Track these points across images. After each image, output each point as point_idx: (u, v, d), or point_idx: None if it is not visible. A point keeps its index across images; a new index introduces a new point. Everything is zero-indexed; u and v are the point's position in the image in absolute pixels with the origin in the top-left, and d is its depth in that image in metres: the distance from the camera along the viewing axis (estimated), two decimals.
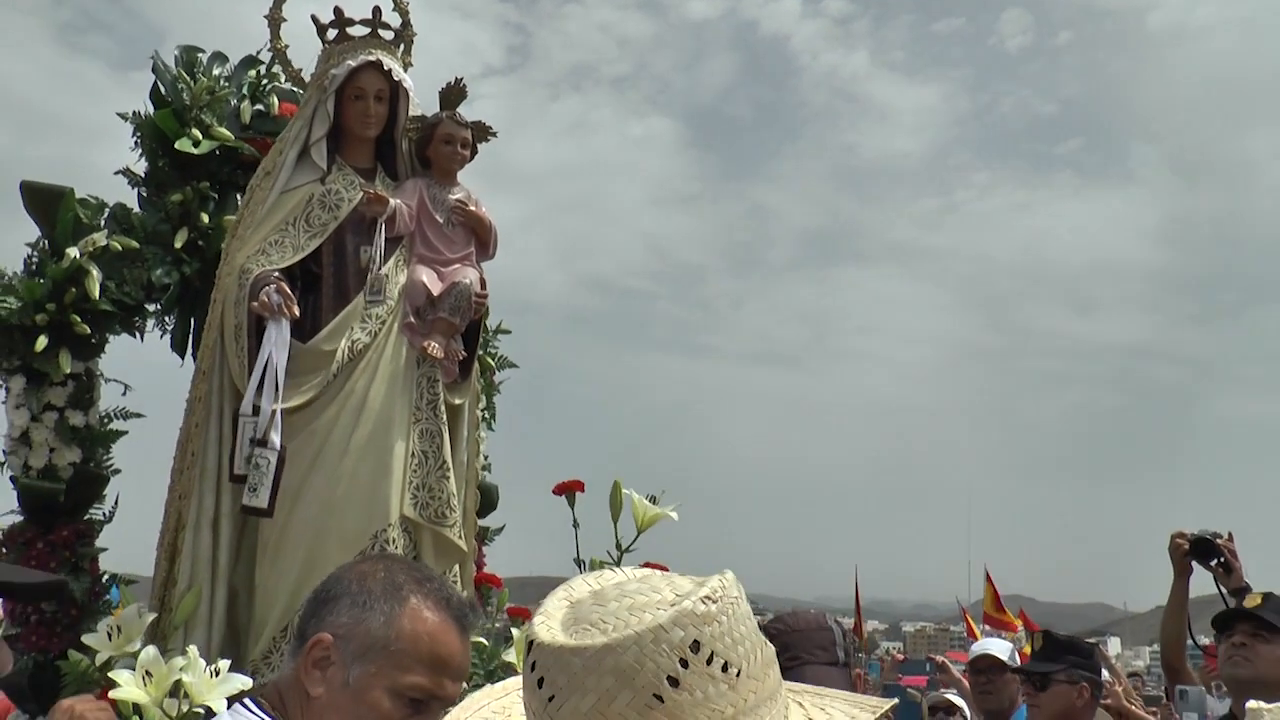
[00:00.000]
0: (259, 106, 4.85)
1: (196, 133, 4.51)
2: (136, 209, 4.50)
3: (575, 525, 3.97)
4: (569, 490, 3.99)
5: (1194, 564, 3.66)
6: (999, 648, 5.18)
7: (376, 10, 4.21)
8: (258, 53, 5.11)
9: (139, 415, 4.40)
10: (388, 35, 4.22)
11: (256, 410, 3.59)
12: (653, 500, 4.07)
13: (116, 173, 4.65)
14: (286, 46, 4.44)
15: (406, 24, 4.33)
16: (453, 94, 4.40)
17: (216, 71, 4.89)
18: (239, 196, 4.67)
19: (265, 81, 4.96)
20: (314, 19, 4.23)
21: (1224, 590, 3.52)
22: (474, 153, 4.38)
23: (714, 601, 1.18)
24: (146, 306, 4.38)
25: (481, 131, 4.42)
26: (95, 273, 4.13)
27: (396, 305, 4.01)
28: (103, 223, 4.43)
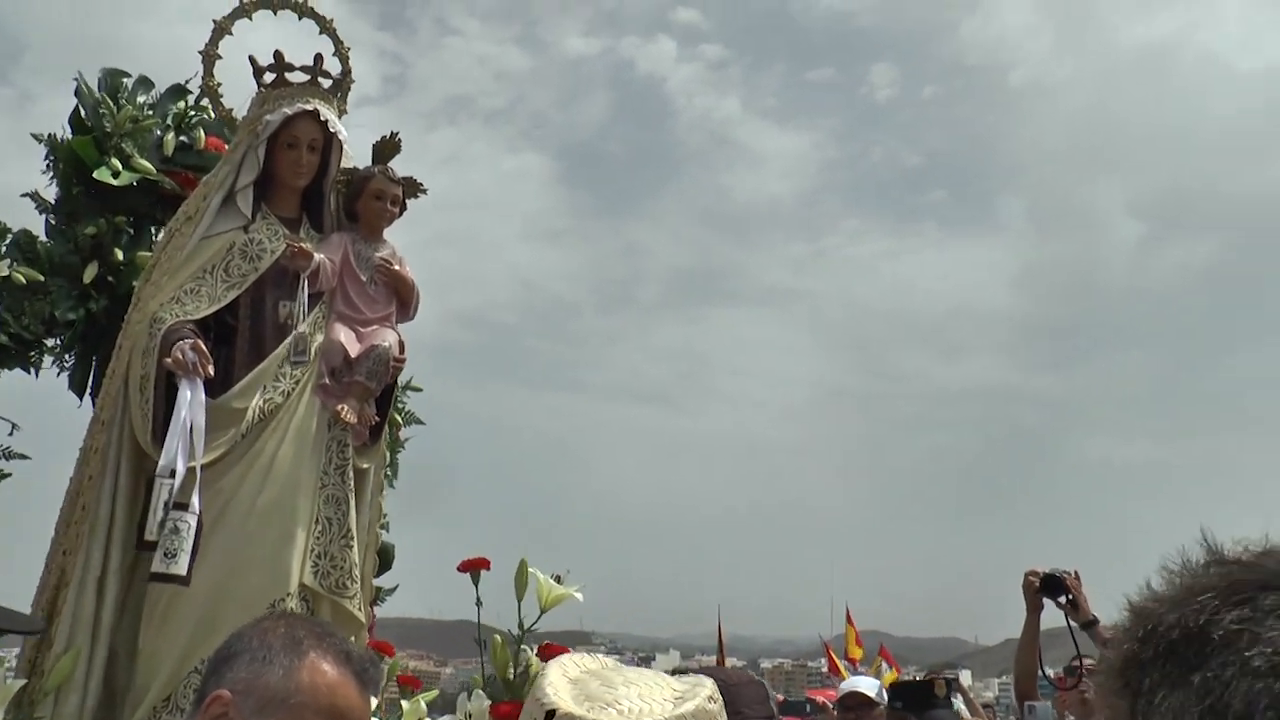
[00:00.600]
0: (183, 139, 4.70)
1: (116, 162, 4.33)
2: (43, 237, 4.30)
3: (478, 604, 3.85)
4: (474, 568, 3.87)
5: (1045, 600, 3.82)
6: (867, 685, 5.25)
7: (319, 58, 4.11)
8: (186, 82, 4.95)
9: (24, 457, 4.18)
10: (326, 84, 4.11)
11: (173, 473, 3.39)
12: (558, 579, 3.99)
13: (24, 195, 4.44)
14: (219, 85, 4.28)
15: (346, 73, 4.22)
16: (386, 148, 4.30)
17: (141, 99, 4.72)
18: (155, 232, 4.50)
19: (192, 113, 4.80)
20: (252, 60, 4.09)
21: (1072, 624, 3.68)
22: (403, 209, 4.28)
23: (715, 702, 1.45)
24: (45, 341, 4.18)
25: (412, 188, 4.32)
26: None
27: (312, 365, 3.87)
28: (4, 249, 4.22)
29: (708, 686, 1.47)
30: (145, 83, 4.83)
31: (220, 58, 4.28)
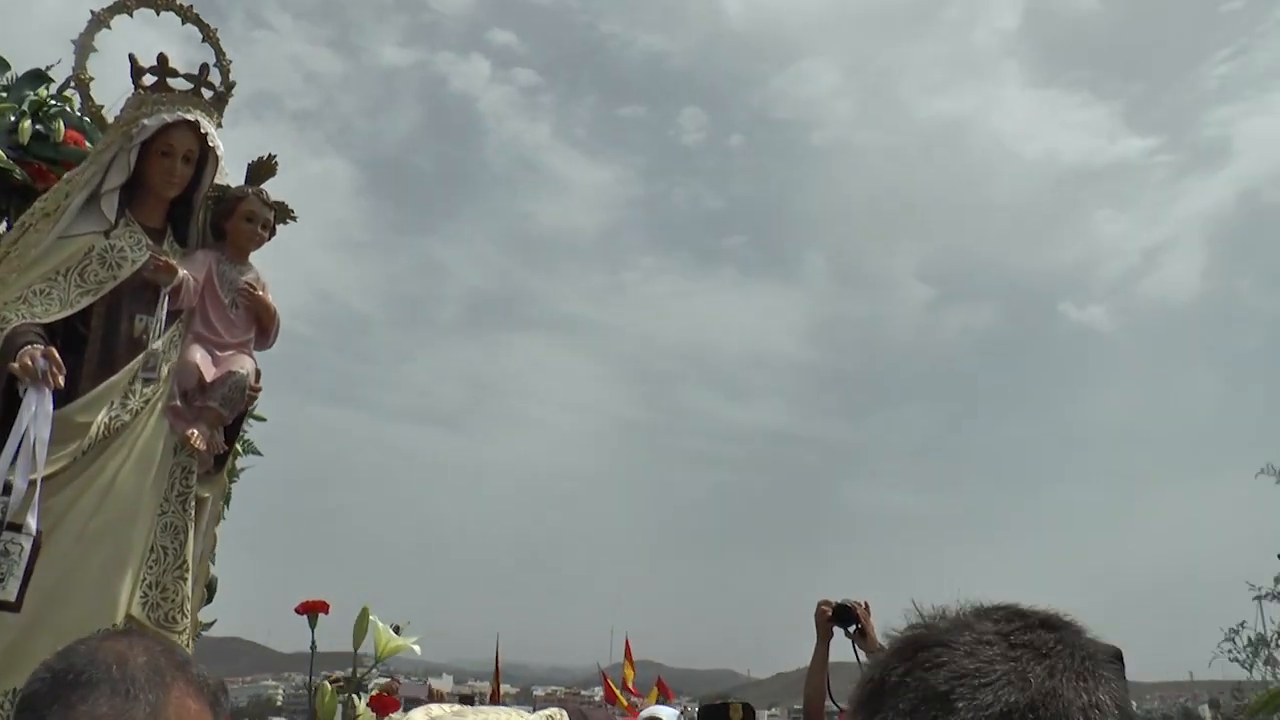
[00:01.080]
0: (40, 128, 4.46)
1: None
2: None
3: (313, 648, 3.76)
4: (312, 610, 3.78)
5: (835, 629, 3.99)
6: (667, 713, 5.37)
7: (204, 68, 3.99)
8: (48, 68, 4.72)
9: None
10: (208, 95, 3.99)
11: (8, 489, 3.17)
12: (397, 630, 3.95)
13: None
14: (91, 79, 4.10)
15: (229, 86, 4.10)
16: (262, 170, 4.20)
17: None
18: (2, 224, 4.26)
19: (52, 102, 4.57)
20: (132, 59, 3.93)
21: (860, 654, 3.82)
22: (273, 234, 4.18)
23: None
24: None
25: (283, 213, 4.23)
26: None
27: (164, 385, 3.72)
28: None
29: (559, 716, 1.62)
30: (1, 64, 4.58)
31: (95, 50, 4.10)
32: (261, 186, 4.15)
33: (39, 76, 4.64)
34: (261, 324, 4.10)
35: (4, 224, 4.29)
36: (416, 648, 3.80)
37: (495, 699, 18.65)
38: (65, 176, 3.84)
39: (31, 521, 3.17)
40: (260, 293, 4.05)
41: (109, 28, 4.09)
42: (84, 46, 4.05)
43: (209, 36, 4.21)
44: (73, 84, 4.33)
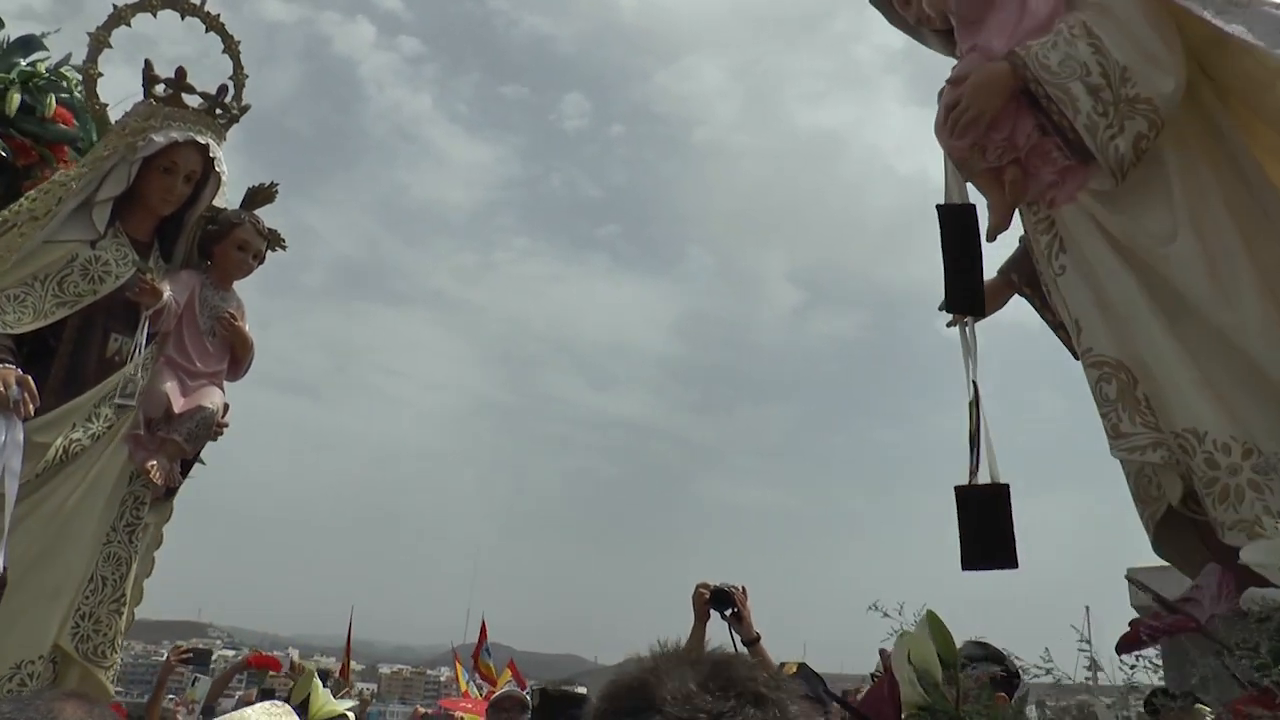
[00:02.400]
0: (27, 99, 4.27)
1: None
2: None
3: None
4: (263, 666, 3.71)
5: (711, 611, 4.01)
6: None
7: (223, 89, 3.88)
8: (43, 35, 4.53)
9: None
10: (222, 119, 3.88)
11: None
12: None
13: None
14: (100, 75, 3.94)
15: (242, 106, 3.99)
16: (259, 196, 4.11)
17: None
18: None
19: (45, 74, 4.37)
20: (148, 66, 3.80)
21: (736, 638, 3.87)
22: (262, 263, 4.09)
23: None
24: None
25: (275, 242, 4.13)
26: None
27: (131, 410, 3.60)
28: None
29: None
30: None
31: (110, 46, 3.95)
32: (256, 213, 4.04)
33: (31, 43, 4.44)
34: (235, 355, 4.00)
35: None
36: (350, 715, 3.76)
37: (345, 675, 18.42)
38: (56, 179, 3.68)
39: None
40: (240, 324, 3.95)
41: (128, 25, 3.94)
42: (99, 41, 3.90)
43: (230, 49, 4.09)
44: (78, 73, 4.16)
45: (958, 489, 2.79)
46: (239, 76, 4.06)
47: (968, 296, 3.00)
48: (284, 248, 4.19)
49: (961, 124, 2.80)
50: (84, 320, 3.56)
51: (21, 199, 3.63)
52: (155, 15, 3.99)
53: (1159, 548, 2.69)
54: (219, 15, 4.07)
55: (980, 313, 3.07)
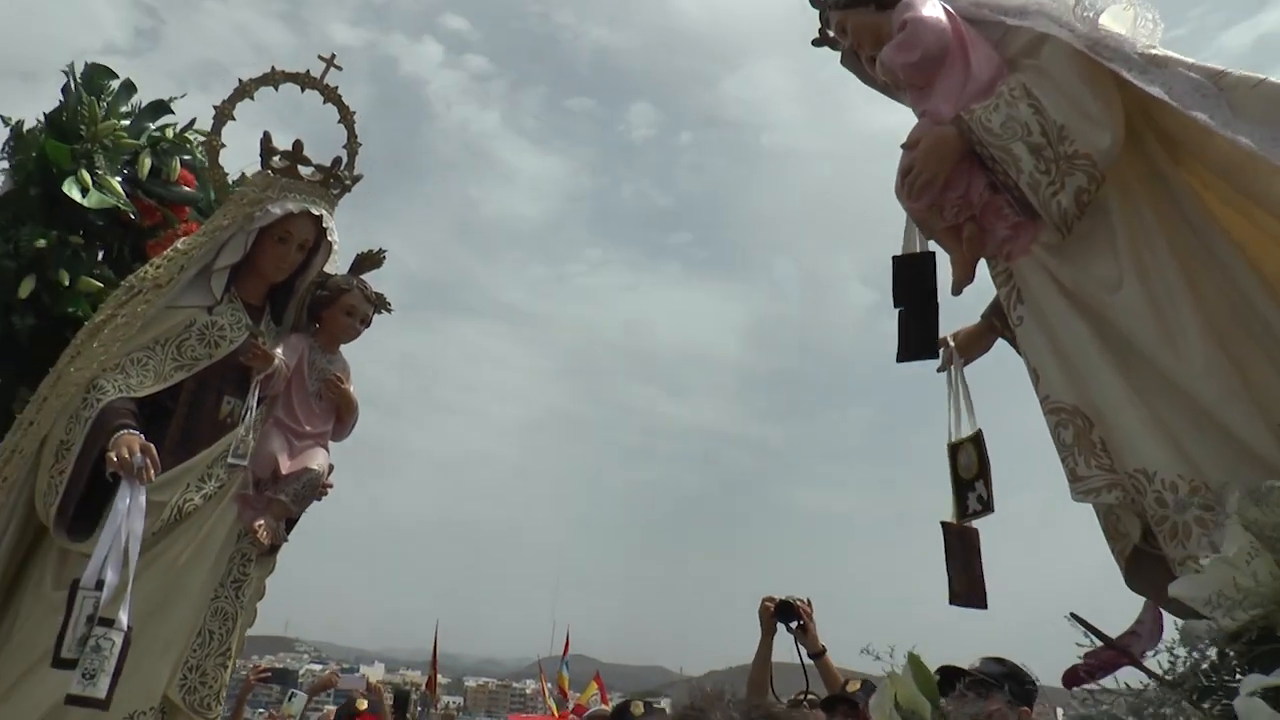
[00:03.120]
0: (155, 163, 4.49)
1: (86, 177, 4.12)
2: None
3: None
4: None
5: (778, 624, 4.11)
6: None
7: (338, 161, 4.03)
8: (170, 100, 4.76)
9: None
10: (335, 189, 4.03)
11: (100, 584, 3.16)
12: None
13: None
14: (224, 145, 4.13)
15: (356, 178, 4.14)
16: (366, 262, 4.25)
17: (124, 109, 4.51)
18: (100, 255, 4.28)
19: (169, 138, 4.59)
20: (266, 139, 3.97)
21: (802, 650, 3.95)
22: (368, 326, 4.22)
23: None
24: None
25: (381, 305, 4.27)
26: None
27: (241, 471, 3.75)
28: None
29: None
30: (129, 88, 4.61)
31: (234, 119, 4.13)
32: (364, 278, 4.18)
33: (160, 108, 4.67)
34: (340, 416, 4.14)
35: (101, 254, 4.34)
36: None
37: (431, 689, 18.67)
38: (179, 247, 3.85)
39: (123, 617, 3.18)
40: (347, 386, 4.09)
41: (252, 99, 4.11)
42: (223, 114, 4.08)
43: (345, 119, 4.24)
44: (200, 136, 4.36)
45: (943, 523, 3.09)
46: (352, 145, 4.22)
47: (923, 343, 3.23)
48: (389, 310, 4.32)
49: (917, 186, 2.94)
50: (199, 383, 3.72)
51: (146, 266, 3.82)
52: (276, 89, 4.17)
53: (1131, 582, 2.74)
54: (336, 87, 4.23)
55: (934, 355, 3.29)
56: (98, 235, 4.22)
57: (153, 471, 3.32)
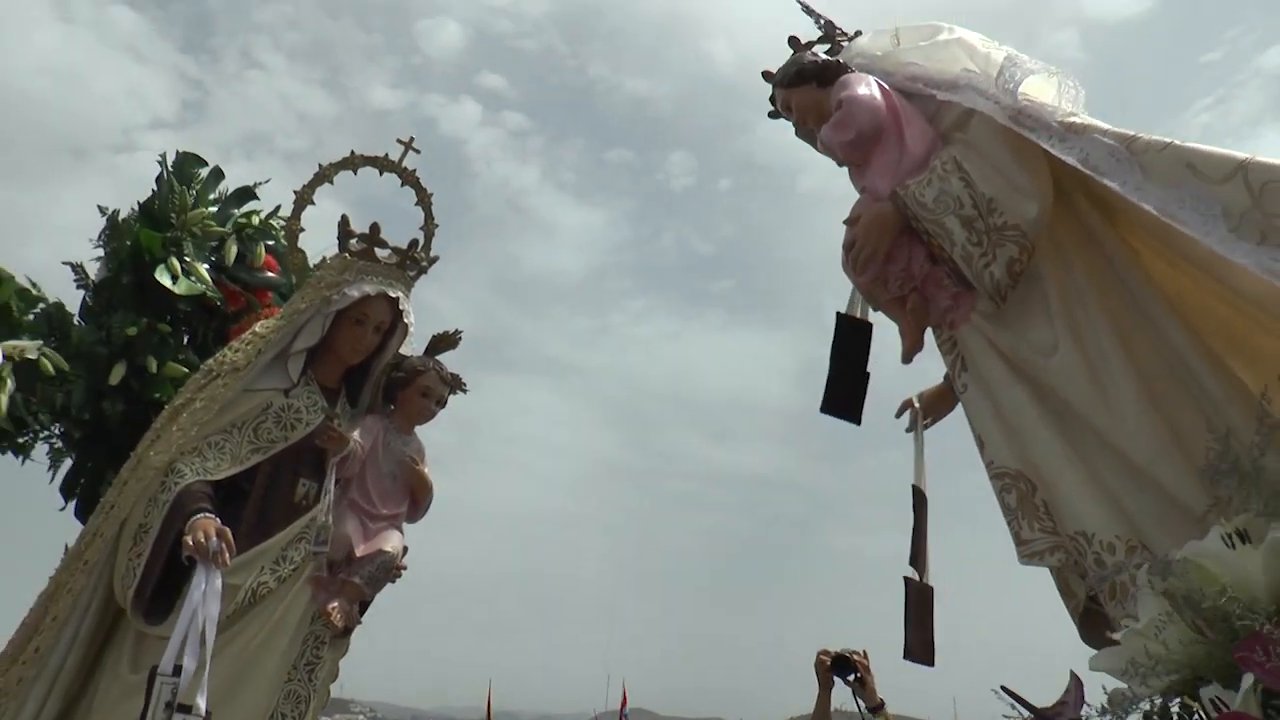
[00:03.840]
0: (239, 249, 4.61)
1: (176, 263, 4.24)
2: (76, 317, 4.16)
3: None
4: None
5: (835, 678, 3.95)
6: None
7: (414, 243, 4.07)
8: (255, 185, 4.89)
9: None
10: (411, 271, 4.07)
11: (177, 670, 3.15)
12: None
13: (65, 264, 4.31)
14: (303, 230, 4.21)
15: (432, 260, 4.18)
16: (442, 343, 4.27)
17: (212, 196, 4.65)
18: (185, 341, 4.39)
19: (257, 224, 4.72)
20: (343, 222, 4.03)
21: (861, 705, 3.82)
22: (443, 407, 4.23)
23: None
24: (45, 429, 4.01)
25: (457, 386, 4.28)
26: (10, 386, 3.76)
27: (321, 556, 3.76)
28: (32, 317, 4.07)
29: None
30: (217, 175, 4.76)
31: (313, 203, 4.21)
32: (440, 359, 4.20)
33: (246, 194, 4.81)
34: (415, 497, 4.13)
35: (186, 339, 4.45)
36: None
37: None
38: (257, 330, 3.92)
39: (201, 703, 3.15)
40: (422, 467, 4.09)
41: (331, 183, 4.19)
42: (303, 199, 4.15)
43: (423, 201, 4.29)
44: (284, 223, 4.46)
45: (905, 579, 3.21)
46: (429, 227, 4.26)
47: (846, 403, 3.40)
48: (465, 391, 4.32)
49: (860, 261, 3.06)
50: (275, 466, 3.75)
51: (225, 349, 3.89)
52: (355, 172, 4.25)
53: (1086, 638, 2.79)
54: (414, 170, 4.29)
55: (857, 420, 3.45)
56: (184, 321, 4.34)
57: (228, 556, 3.34)
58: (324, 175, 4.20)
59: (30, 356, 3.80)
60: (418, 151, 4.34)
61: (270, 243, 4.66)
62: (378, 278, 3.95)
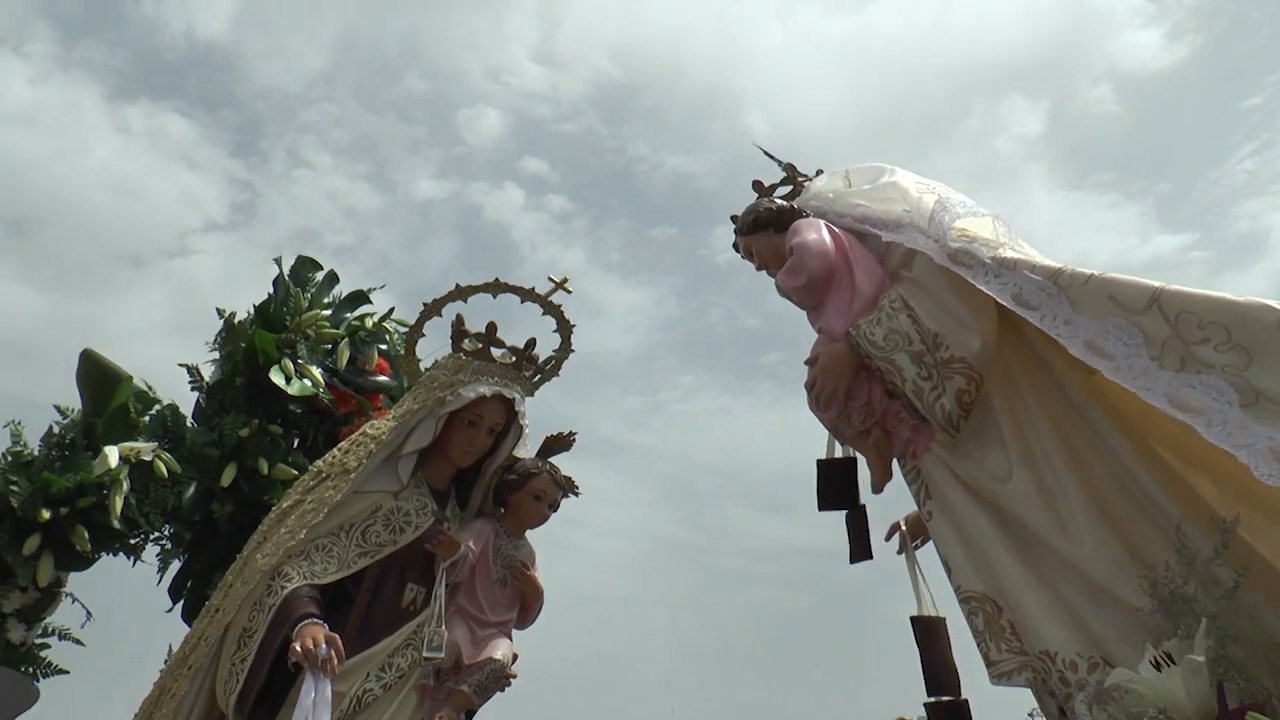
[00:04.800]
0: (351, 352, 4.58)
1: (289, 365, 4.20)
2: (190, 418, 4.15)
3: None
4: None
5: None
6: None
7: (532, 342, 3.95)
8: (369, 290, 4.88)
9: (79, 642, 3.89)
10: (527, 371, 3.96)
11: None
12: None
13: (181, 365, 4.32)
14: (423, 335, 4.13)
15: (557, 365, 4.06)
16: (556, 445, 4.14)
17: (326, 300, 4.65)
18: (295, 443, 4.34)
19: (371, 328, 4.69)
20: (458, 321, 3.94)
21: None
22: (555, 510, 4.08)
23: None
24: (155, 531, 3.96)
25: (570, 489, 4.13)
26: (125, 488, 3.71)
27: (435, 662, 3.60)
28: (148, 419, 4.06)
29: None
30: (331, 279, 4.77)
31: (424, 335, 4.12)
32: (554, 462, 4.07)
33: (359, 298, 4.80)
34: (525, 602, 3.97)
35: (295, 441, 4.39)
36: None
37: None
38: (367, 431, 3.83)
39: None
40: (533, 573, 3.94)
41: (464, 301, 4.06)
42: (431, 310, 4.01)
43: (563, 330, 4.11)
44: (399, 326, 4.43)
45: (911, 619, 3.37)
46: (564, 352, 4.13)
47: (861, 544, 3.53)
48: (577, 494, 4.17)
49: (822, 400, 3.22)
50: (382, 569, 3.63)
51: (334, 450, 3.81)
52: (495, 297, 4.10)
53: None
54: (561, 305, 4.14)
55: (870, 556, 3.56)
56: (294, 423, 4.28)
57: (337, 663, 3.21)
58: (460, 293, 4.04)
59: (145, 458, 3.77)
60: (569, 291, 4.18)
61: (383, 346, 4.63)
62: (493, 378, 3.84)
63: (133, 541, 3.92)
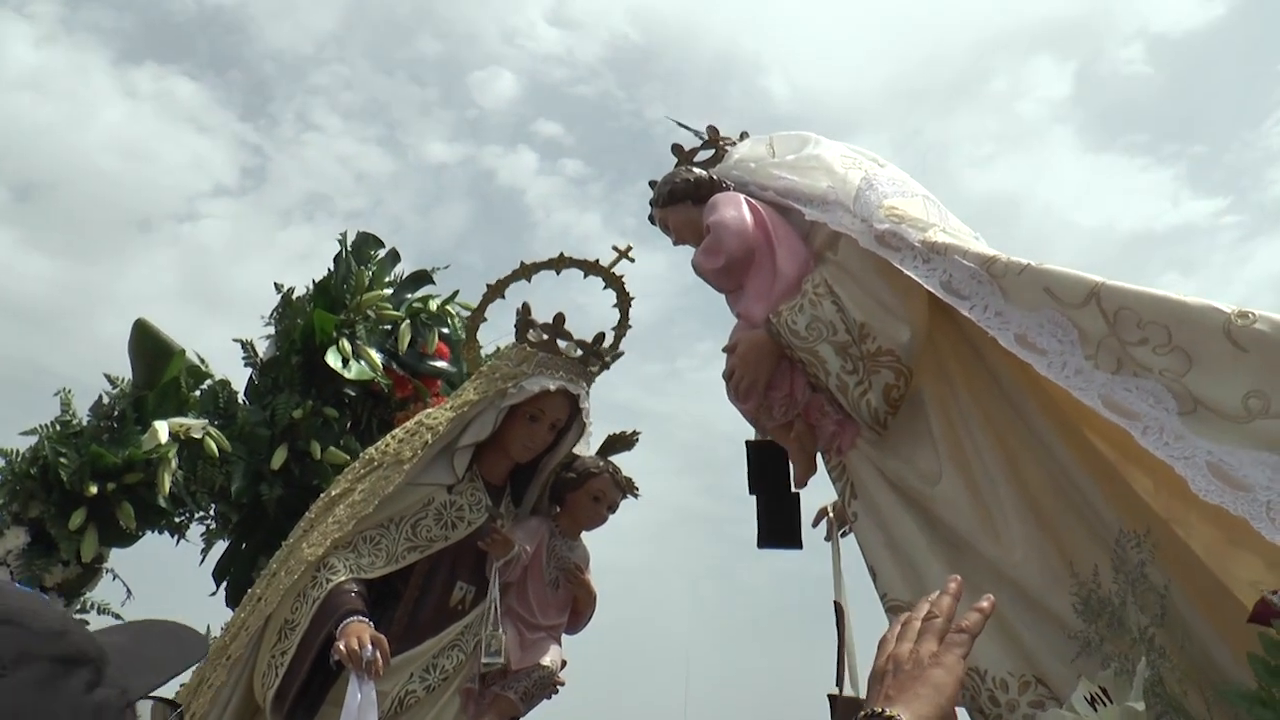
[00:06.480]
0: (411, 335, 4.43)
1: (347, 346, 4.05)
2: (241, 395, 4.01)
3: None
4: None
5: None
6: None
7: (600, 336, 3.75)
8: (433, 270, 4.72)
9: (119, 618, 3.79)
10: (594, 367, 3.77)
11: None
12: None
13: (235, 341, 4.19)
14: (485, 319, 3.93)
15: (617, 355, 3.87)
16: (618, 444, 3.96)
17: (387, 279, 4.49)
18: (349, 426, 4.19)
19: (433, 309, 4.53)
20: (524, 309, 3.75)
21: None
22: (614, 513, 3.91)
23: None
24: (201, 511, 3.84)
25: (630, 490, 3.95)
26: (174, 465, 3.58)
27: (467, 660, 3.45)
28: (199, 392, 3.93)
29: None
30: (394, 257, 4.60)
31: (503, 297, 3.91)
32: (614, 462, 3.89)
33: (422, 278, 4.64)
34: (577, 607, 3.81)
35: (349, 424, 4.24)
36: None
37: None
38: (423, 421, 3.65)
39: None
40: (587, 576, 3.77)
41: (528, 280, 3.89)
42: (495, 291, 3.81)
43: (622, 303, 3.92)
44: (462, 309, 4.26)
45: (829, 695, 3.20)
46: (622, 328, 3.92)
47: (783, 532, 3.31)
48: (637, 495, 3.99)
49: (740, 391, 2.97)
50: (431, 565, 3.48)
51: (388, 438, 3.66)
52: (558, 273, 3.92)
53: None
54: (622, 276, 3.96)
55: (799, 545, 3.35)
56: (349, 406, 4.13)
57: (383, 665, 3.05)
58: (524, 271, 3.84)
59: (195, 435, 3.65)
60: (631, 260, 3.99)
61: (445, 330, 4.47)
62: (559, 372, 3.65)
63: (178, 520, 3.81)
